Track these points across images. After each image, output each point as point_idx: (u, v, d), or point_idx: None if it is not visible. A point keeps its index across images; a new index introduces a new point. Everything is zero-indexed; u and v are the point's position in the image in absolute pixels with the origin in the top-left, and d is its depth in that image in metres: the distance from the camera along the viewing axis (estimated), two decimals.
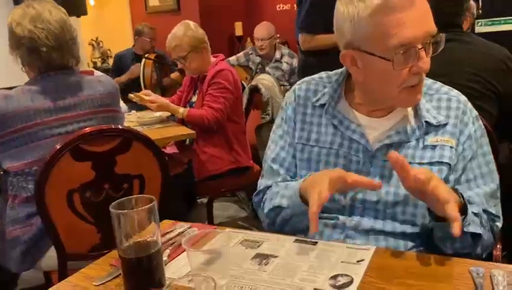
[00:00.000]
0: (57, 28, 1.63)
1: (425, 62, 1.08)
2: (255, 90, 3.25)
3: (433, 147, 1.15)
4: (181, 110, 2.76)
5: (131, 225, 0.85)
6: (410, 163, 1.11)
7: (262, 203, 1.29)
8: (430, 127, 1.16)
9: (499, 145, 1.47)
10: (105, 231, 1.61)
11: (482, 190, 1.16)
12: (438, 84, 1.24)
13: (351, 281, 0.89)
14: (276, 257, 1.01)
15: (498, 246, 1.54)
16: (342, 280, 0.90)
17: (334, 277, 0.91)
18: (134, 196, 0.91)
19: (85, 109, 1.69)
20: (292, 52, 4.38)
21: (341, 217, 1.17)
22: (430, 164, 1.14)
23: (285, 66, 4.33)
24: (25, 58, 1.66)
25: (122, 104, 2.05)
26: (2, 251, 1.69)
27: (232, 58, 4.55)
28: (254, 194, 1.34)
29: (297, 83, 1.32)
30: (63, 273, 1.58)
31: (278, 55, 4.38)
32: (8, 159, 1.62)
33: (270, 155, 1.30)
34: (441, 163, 1.14)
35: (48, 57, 1.63)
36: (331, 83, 1.25)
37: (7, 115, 1.57)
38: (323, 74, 1.31)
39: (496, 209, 1.17)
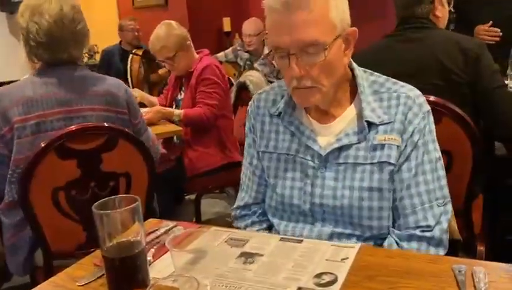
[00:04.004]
0: (51, 22, 1.56)
1: (292, 69, 1.08)
2: (242, 87, 3.24)
3: (382, 146, 1.14)
4: (176, 112, 2.71)
5: (114, 225, 0.84)
6: (362, 164, 1.14)
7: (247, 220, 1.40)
8: (375, 126, 1.15)
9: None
10: (91, 229, 1.59)
11: (419, 189, 1.13)
12: (391, 81, 1.20)
13: (335, 280, 0.90)
14: (261, 255, 1.01)
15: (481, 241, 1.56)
16: (326, 278, 0.90)
17: (319, 275, 0.91)
18: (118, 195, 0.91)
19: (86, 105, 1.63)
20: None
21: (305, 228, 1.20)
22: (380, 163, 1.14)
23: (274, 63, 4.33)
24: (24, 50, 1.62)
25: None
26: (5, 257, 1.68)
27: (220, 55, 4.53)
28: (235, 207, 1.42)
29: (258, 92, 1.34)
30: (48, 271, 1.57)
31: (266, 51, 4.37)
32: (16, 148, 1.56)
33: (244, 162, 1.34)
34: (389, 163, 1.13)
35: (37, 52, 1.59)
36: (286, 91, 1.23)
37: (9, 106, 1.53)
38: (280, 82, 1.29)
39: (431, 214, 1.13)
